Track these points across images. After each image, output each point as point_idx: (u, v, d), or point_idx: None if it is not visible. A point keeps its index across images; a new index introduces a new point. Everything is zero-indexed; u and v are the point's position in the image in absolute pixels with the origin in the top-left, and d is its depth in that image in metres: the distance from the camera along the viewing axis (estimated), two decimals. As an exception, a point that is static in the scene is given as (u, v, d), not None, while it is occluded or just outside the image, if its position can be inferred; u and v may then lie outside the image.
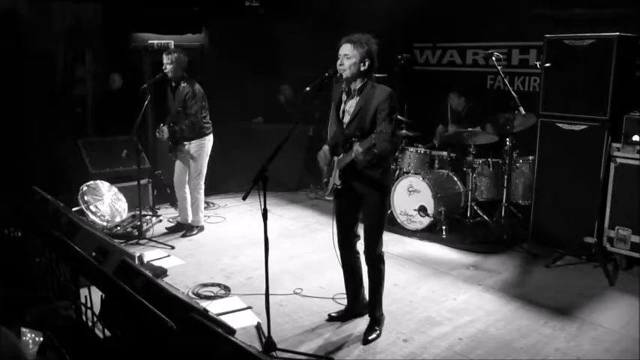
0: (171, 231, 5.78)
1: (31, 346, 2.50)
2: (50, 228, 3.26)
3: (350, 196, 3.56)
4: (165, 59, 5.37)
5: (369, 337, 3.57)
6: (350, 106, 3.47)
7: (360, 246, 3.71)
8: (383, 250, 3.64)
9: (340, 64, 3.37)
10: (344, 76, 3.39)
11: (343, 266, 3.81)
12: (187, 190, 5.71)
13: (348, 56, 3.35)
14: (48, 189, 4.94)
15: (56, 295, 3.03)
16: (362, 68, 3.37)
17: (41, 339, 2.48)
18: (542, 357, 3.42)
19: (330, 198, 3.76)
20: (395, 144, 3.61)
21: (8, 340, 1.52)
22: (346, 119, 3.48)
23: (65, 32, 6.61)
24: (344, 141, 3.46)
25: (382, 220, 3.59)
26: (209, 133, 5.60)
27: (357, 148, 3.23)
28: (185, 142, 5.51)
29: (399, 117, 5.31)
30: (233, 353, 2.11)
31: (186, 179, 5.69)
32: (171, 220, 6.05)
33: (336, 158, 3.56)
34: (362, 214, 3.63)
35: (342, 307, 3.94)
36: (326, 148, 3.64)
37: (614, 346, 3.54)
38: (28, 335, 2.52)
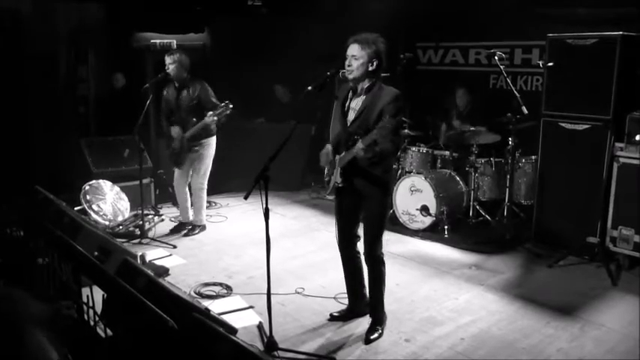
0: (173, 230, 5.78)
1: None
2: (52, 227, 3.26)
3: (351, 195, 3.55)
4: (168, 59, 5.36)
5: (371, 337, 3.57)
6: (356, 104, 3.45)
7: (361, 246, 3.70)
8: (383, 250, 3.63)
9: (348, 65, 3.35)
10: (352, 77, 3.37)
11: (344, 265, 3.81)
12: (189, 189, 5.71)
13: (356, 57, 3.33)
14: (50, 188, 4.95)
15: (58, 295, 3.04)
16: (370, 68, 3.35)
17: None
18: (545, 357, 3.41)
19: (332, 197, 3.76)
20: (396, 143, 3.60)
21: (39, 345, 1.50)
22: (350, 117, 3.46)
23: (68, 32, 6.63)
24: (346, 139, 3.45)
25: (383, 220, 3.58)
26: (215, 133, 5.60)
27: (359, 144, 3.23)
28: (195, 144, 5.45)
29: (402, 118, 5.31)
30: (234, 353, 2.11)
31: (188, 178, 5.69)
32: (173, 219, 6.06)
33: (338, 156, 3.55)
34: (363, 213, 3.62)
35: (344, 307, 3.94)
36: (329, 147, 3.63)
37: (616, 346, 3.53)
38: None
